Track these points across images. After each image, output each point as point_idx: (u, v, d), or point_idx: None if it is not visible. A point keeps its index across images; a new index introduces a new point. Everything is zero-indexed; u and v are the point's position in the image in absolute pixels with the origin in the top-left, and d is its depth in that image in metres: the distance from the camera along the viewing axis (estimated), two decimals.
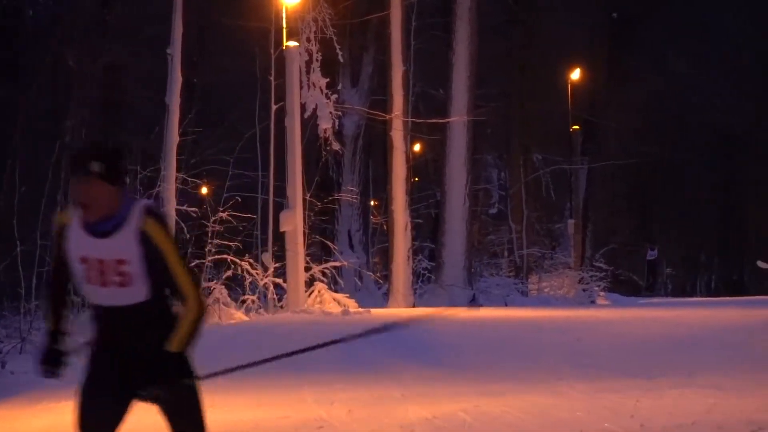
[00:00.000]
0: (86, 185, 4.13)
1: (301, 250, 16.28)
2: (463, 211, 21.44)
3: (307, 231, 17.80)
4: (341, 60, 21.51)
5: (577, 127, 31.07)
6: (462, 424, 7.64)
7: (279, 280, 16.52)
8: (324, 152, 23.74)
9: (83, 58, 22.04)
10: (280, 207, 17.35)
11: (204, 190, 22.42)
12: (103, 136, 24.28)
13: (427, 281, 23.02)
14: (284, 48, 16.89)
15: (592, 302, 24.32)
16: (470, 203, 22.05)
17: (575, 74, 30.37)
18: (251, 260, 16.31)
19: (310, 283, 16.73)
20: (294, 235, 16.19)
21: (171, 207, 15.78)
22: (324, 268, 17.32)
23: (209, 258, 16.12)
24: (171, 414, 4.44)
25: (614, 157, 34.38)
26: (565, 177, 32.57)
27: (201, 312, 4.28)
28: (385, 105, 20.55)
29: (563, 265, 27.81)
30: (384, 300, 20.58)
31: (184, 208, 16.29)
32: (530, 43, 30.35)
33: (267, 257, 16.70)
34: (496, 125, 31.67)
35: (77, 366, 4.51)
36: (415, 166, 25.36)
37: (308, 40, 19.37)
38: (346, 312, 15.50)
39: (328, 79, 19.28)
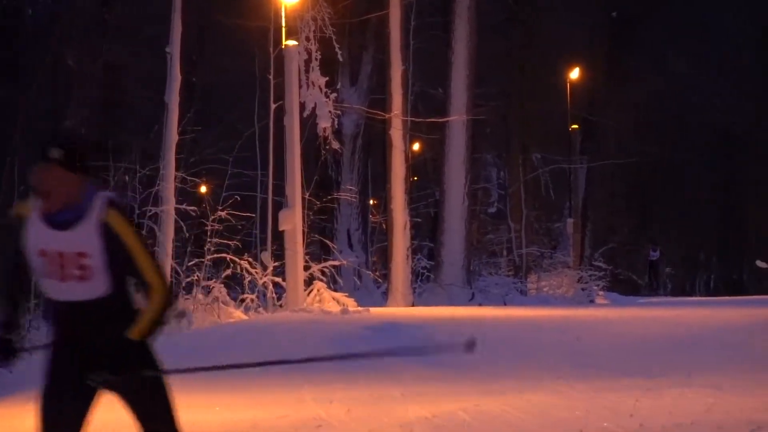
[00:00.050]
0: (46, 172, 4.03)
1: (300, 249, 16.27)
2: (462, 210, 21.44)
3: (306, 230, 17.80)
4: (340, 59, 21.51)
5: (576, 126, 31.06)
6: (461, 423, 7.63)
7: (278, 279, 16.52)
8: (323, 151, 23.74)
9: (83, 58, 22.05)
10: (279, 206, 17.34)
11: (203, 189, 22.43)
12: (102, 135, 24.30)
13: (426, 280, 23.02)
14: (283, 47, 16.88)
15: (591, 301, 24.31)
16: (469, 202, 22.05)
17: (575, 74, 30.37)
18: (250, 259, 16.30)
19: (309, 282, 16.73)
20: (293, 234, 16.19)
21: (170, 206, 15.79)
22: (323, 267, 17.31)
23: (208, 257, 16.11)
24: (136, 408, 4.29)
25: (614, 157, 34.39)
26: (564, 176, 32.56)
27: (166, 302, 4.18)
28: (384, 104, 20.54)
29: (562, 264, 27.81)
30: (383, 299, 20.58)
31: (184, 207, 16.28)
32: (530, 42, 30.34)
33: (266, 256, 16.70)
34: (496, 124, 31.68)
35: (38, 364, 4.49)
36: (414, 165, 25.36)
37: (307, 39, 19.37)
38: (345, 311, 15.49)
39: (327, 78, 19.28)
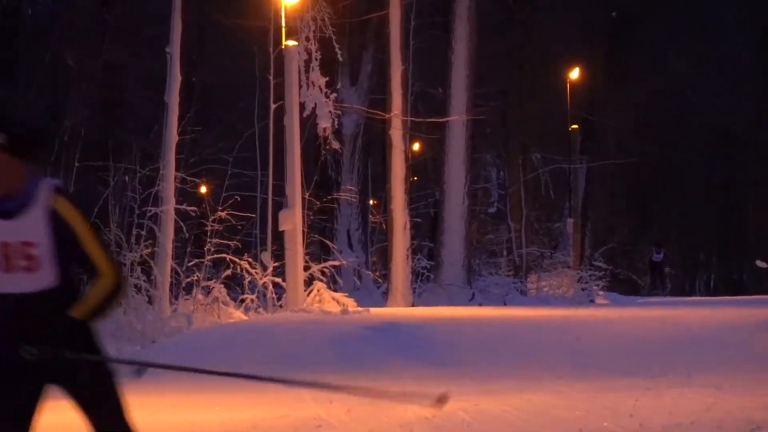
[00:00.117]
0: None
1: (300, 249, 16.26)
2: (462, 210, 21.45)
3: (306, 230, 17.79)
4: (340, 59, 21.51)
5: (576, 126, 31.07)
6: (461, 423, 7.63)
7: (278, 279, 16.51)
8: (323, 151, 23.75)
9: (82, 58, 22.05)
10: (279, 206, 17.34)
11: (203, 189, 22.43)
12: (102, 135, 24.31)
13: (426, 280, 23.02)
14: (283, 47, 16.87)
15: (591, 301, 24.31)
16: (469, 202, 22.05)
17: (574, 73, 30.37)
18: (250, 259, 16.29)
19: (309, 282, 16.72)
20: (293, 234, 16.18)
21: (170, 206, 15.78)
22: (323, 267, 17.30)
23: (208, 257, 16.10)
24: (80, 397, 4.12)
25: (613, 157, 34.42)
26: (564, 176, 32.57)
27: (115, 288, 4.05)
28: (384, 104, 20.54)
29: (562, 264, 27.81)
30: (383, 299, 20.58)
31: (184, 207, 16.27)
32: (529, 42, 30.34)
33: (266, 256, 16.69)
34: (495, 124, 31.68)
35: None
36: (414, 165, 25.36)
37: (307, 39, 19.37)
38: (345, 311, 15.49)
39: (327, 78, 19.27)
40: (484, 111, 25.76)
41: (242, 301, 16.10)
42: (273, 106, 17.85)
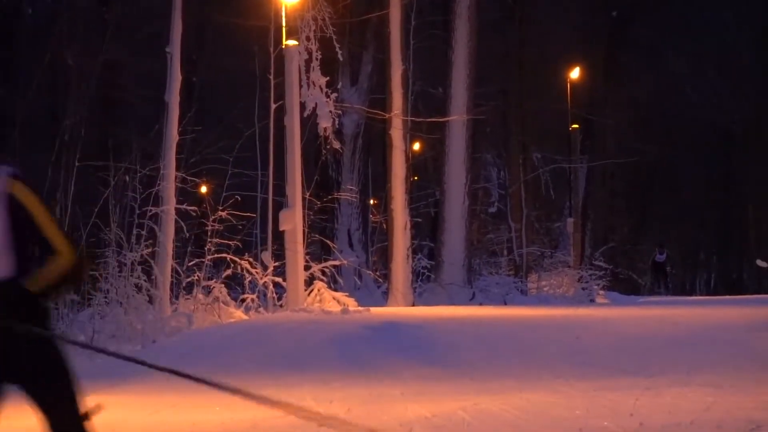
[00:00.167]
0: None
1: (300, 249, 16.28)
2: (462, 210, 21.46)
3: (306, 230, 17.80)
4: (341, 59, 21.51)
5: (576, 125, 31.09)
6: (461, 422, 7.64)
7: (278, 279, 16.52)
8: (323, 151, 23.76)
9: (82, 57, 22.05)
10: (279, 206, 17.35)
11: (203, 189, 22.43)
12: (102, 134, 24.31)
13: (426, 280, 23.03)
14: (284, 47, 16.89)
15: (592, 301, 24.32)
16: (470, 202, 22.06)
17: (575, 73, 30.37)
18: (251, 259, 16.30)
19: (309, 281, 16.73)
20: (293, 234, 16.19)
21: (171, 206, 15.79)
22: (323, 267, 17.31)
23: (209, 257, 16.12)
24: (29, 381, 4.02)
25: (614, 156, 34.43)
26: (564, 176, 32.58)
27: (71, 267, 4.02)
28: (384, 104, 20.55)
29: (563, 263, 27.82)
30: (383, 299, 20.59)
31: (184, 207, 16.28)
32: (529, 41, 30.35)
33: (266, 256, 16.70)
34: (496, 124, 31.69)
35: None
36: (414, 164, 25.38)
37: (308, 38, 19.37)
38: (345, 311, 15.51)
39: (327, 78, 19.27)
40: (484, 110, 25.77)
41: (243, 300, 16.11)
42: (273, 106, 17.85)
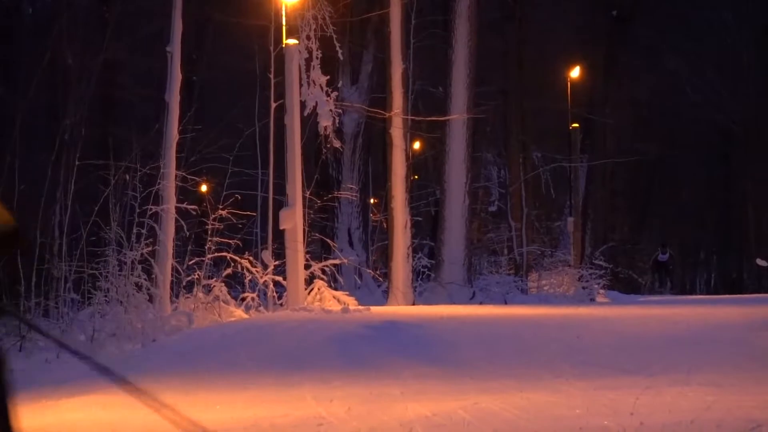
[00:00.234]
0: None
1: (300, 248, 16.28)
2: (462, 209, 21.46)
3: (306, 229, 17.80)
4: (341, 58, 21.51)
5: (576, 125, 31.11)
6: (461, 421, 7.64)
7: (279, 278, 16.52)
8: (324, 150, 23.75)
9: (82, 56, 22.03)
10: (279, 205, 17.34)
11: (204, 188, 22.42)
12: (102, 133, 24.30)
13: (426, 279, 23.03)
14: (284, 46, 16.88)
15: (592, 300, 24.34)
16: (470, 201, 22.06)
17: (575, 72, 30.38)
18: (251, 258, 16.31)
19: (309, 280, 16.73)
20: (294, 233, 16.19)
21: (171, 204, 15.78)
22: (324, 266, 17.31)
23: (209, 255, 16.11)
24: None
25: (614, 155, 34.44)
26: (564, 175, 32.59)
27: (7, 229, 3.84)
28: (384, 103, 20.55)
29: (563, 262, 27.83)
30: (383, 298, 20.59)
31: (184, 206, 16.27)
32: (529, 41, 30.36)
33: (267, 255, 16.70)
34: (496, 123, 31.72)
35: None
36: (414, 164, 25.37)
37: (308, 37, 19.37)
38: (345, 310, 15.51)
39: (328, 77, 19.27)
40: (484, 110, 25.77)
41: (243, 299, 16.11)
42: (273, 105, 17.85)
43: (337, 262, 18.00)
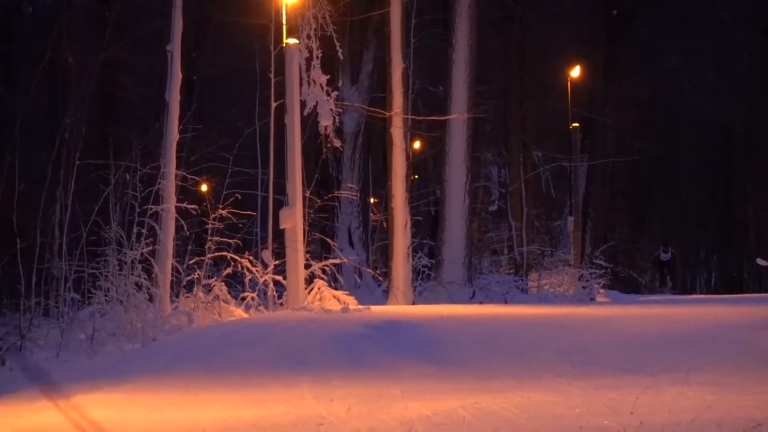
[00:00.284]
0: None
1: (300, 248, 16.28)
2: (462, 209, 21.46)
3: (306, 228, 17.80)
4: (341, 57, 21.51)
5: (576, 124, 31.11)
6: (461, 420, 7.64)
7: (279, 278, 16.53)
8: (324, 149, 23.76)
9: (82, 55, 22.03)
10: (279, 204, 17.34)
11: (204, 188, 22.42)
12: (102, 132, 24.30)
13: (426, 278, 23.03)
14: (284, 45, 16.88)
15: (592, 299, 24.33)
16: (470, 200, 22.06)
17: (575, 71, 30.38)
18: (251, 257, 16.31)
19: (309, 280, 16.74)
20: (294, 233, 16.19)
21: (171, 204, 15.78)
22: (324, 266, 17.32)
23: (209, 255, 16.11)
24: None
25: (614, 155, 34.45)
26: (564, 174, 32.60)
27: None
28: (384, 102, 20.56)
29: (563, 262, 27.83)
30: (384, 297, 20.59)
31: (184, 205, 16.27)
32: (529, 40, 30.36)
33: (267, 254, 16.70)
34: (496, 122, 31.72)
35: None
36: (414, 163, 25.38)
37: (308, 37, 19.36)
38: (345, 309, 15.51)
39: (328, 76, 19.27)
40: (484, 109, 25.78)
41: (243, 299, 16.11)
42: (274, 105, 17.85)
43: (337, 261, 18.00)
